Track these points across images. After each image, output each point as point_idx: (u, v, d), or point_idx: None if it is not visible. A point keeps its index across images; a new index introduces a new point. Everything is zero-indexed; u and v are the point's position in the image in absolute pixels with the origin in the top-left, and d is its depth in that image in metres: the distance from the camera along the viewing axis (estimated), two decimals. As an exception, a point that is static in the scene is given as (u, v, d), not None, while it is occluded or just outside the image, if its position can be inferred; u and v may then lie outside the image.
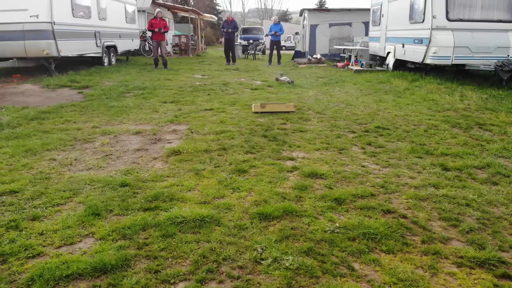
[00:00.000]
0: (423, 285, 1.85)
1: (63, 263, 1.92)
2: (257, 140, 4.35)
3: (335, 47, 16.86)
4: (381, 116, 5.69)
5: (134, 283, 1.80)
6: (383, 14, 12.46)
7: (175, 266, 1.96)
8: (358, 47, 14.41)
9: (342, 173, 3.34)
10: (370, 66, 13.02)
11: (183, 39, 21.39)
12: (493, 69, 8.52)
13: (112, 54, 12.71)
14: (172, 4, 21.44)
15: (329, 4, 58.90)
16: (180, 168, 3.47)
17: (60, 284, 1.80)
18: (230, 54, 15.13)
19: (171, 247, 2.12)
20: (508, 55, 8.71)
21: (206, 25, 40.74)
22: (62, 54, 9.42)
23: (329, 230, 2.34)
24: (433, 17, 9.01)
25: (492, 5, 9.21)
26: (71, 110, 6.00)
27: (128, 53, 15.03)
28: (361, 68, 12.54)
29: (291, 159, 3.76)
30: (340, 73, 11.79)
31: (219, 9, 60.07)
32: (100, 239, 2.20)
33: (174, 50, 21.76)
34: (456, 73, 9.73)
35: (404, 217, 2.56)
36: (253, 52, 19.73)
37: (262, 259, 2.01)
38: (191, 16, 21.10)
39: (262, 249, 2.10)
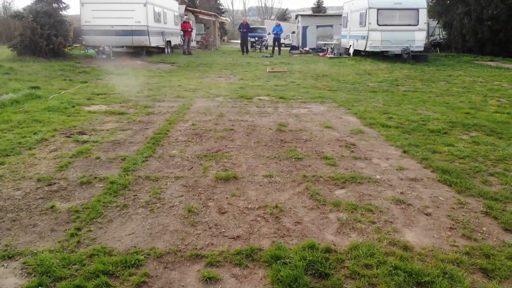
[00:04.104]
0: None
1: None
2: (271, 78, 10.81)
3: (319, 42, 23.33)
4: (327, 72, 12.19)
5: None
6: (348, 20, 18.93)
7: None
8: (334, 42, 20.86)
9: (303, 82, 9.83)
10: (340, 54, 19.49)
11: (205, 37, 27.83)
12: (400, 53, 15.04)
13: (169, 46, 19.16)
14: (199, 10, 27.85)
15: (326, 4, 65.30)
16: (247, 79, 9.97)
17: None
18: (245, 48, 21.58)
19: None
20: (410, 45, 15.20)
21: (211, 24, 46.46)
22: (152, 45, 15.89)
23: (295, 87, 8.85)
24: (369, 23, 15.50)
25: (405, 16, 15.70)
26: (180, 70, 12.46)
27: (174, 46, 21.46)
28: (333, 56, 19.00)
29: (285, 80, 10.22)
30: (319, 59, 18.27)
31: (222, 9, 66.35)
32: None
33: (198, 45, 28.20)
34: (384, 56, 16.25)
35: (317, 86, 9.06)
36: (259, 46, 26.16)
37: (267, 83, 8.54)
38: (212, 19, 27.58)
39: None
